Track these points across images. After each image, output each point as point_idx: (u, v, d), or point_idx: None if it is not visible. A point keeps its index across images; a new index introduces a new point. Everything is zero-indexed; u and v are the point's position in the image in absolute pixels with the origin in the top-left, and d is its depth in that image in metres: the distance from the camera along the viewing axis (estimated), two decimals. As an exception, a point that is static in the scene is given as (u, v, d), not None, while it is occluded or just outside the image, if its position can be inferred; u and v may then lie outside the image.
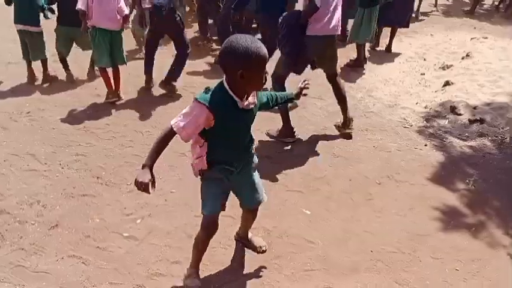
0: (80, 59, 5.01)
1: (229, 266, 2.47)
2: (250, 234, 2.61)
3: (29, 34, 4.59)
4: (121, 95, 4.45)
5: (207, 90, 1.89)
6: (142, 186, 1.81)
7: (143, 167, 1.86)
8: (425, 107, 4.67)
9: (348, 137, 3.98)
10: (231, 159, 2.09)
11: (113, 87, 4.37)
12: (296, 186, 3.27)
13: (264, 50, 1.81)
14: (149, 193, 1.85)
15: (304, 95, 2.34)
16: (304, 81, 2.31)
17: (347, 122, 3.98)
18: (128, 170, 3.29)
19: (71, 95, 4.54)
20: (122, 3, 4.19)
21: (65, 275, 2.34)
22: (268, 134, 3.84)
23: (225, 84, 1.89)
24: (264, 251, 2.57)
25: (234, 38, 1.82)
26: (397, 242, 2.74)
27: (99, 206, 2.91)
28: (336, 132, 4.01)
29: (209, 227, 2.15)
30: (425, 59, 6.08)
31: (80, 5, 4.02)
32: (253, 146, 2.19)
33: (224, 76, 1.91)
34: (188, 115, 1.86)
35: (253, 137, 2.16)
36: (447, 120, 4.39)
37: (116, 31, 4.26)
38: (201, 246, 2.22)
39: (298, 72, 3.72)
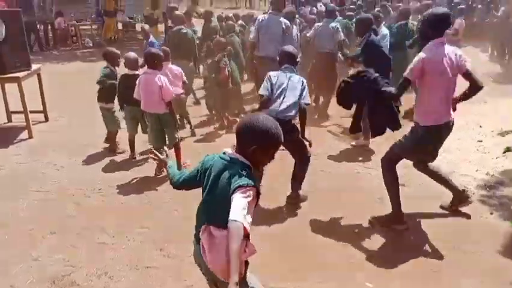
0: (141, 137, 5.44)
1: None
2: None
3: (102, 109, 5.34)
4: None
5: (240, 173, 1.78)
6: None
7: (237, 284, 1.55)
8: (487, 174, 4.51)
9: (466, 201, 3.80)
10: None
11: (161, 167, 4.62)
12: (359, 259, 3.21)
13: (282, 135, 1.88)
14: None
15: None
16: None
17: (459, 196, 3.80)
18: (189, 241, 3.38)
19: (138, 172, 4.90)
20: (165, 89, 4.48)
21: None
22: (372, 222, 3.68)
23: (243, 159, 1.86)
24: None
25: (257, 116, 1.89)
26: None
27: (161, 278, 3.01)
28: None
29: None
30: (480, 126, 5.97)
31: (135, 95, 4.64)
32: None
33: (230, 150, 1.92)
34: (248, 205, 1.71)
35: None
36: (512, 188, 4.19)
37: (162, 114, 4.60)
38: None
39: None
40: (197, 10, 12.80)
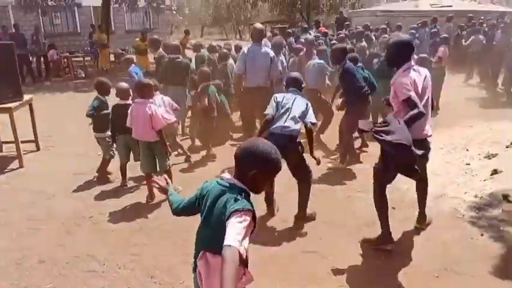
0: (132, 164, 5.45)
1: None
2: None
3: (98, 138, 5.40)
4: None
5: (236, 198, 1.78)
6: None
7: None
8: (475, 196, 4.57)
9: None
10: None
11: (152, 194, 4.74)
12: (351, 282, 3.19)
13: (281, 161, 1.90)
14: None
15: None
16: None
17: (424, 216, 3.97)
18: (180, 268, 3.38)
19: (129, 199, 4.87)
20: (156, 118, 4.52)
21: None
22: (365, 242, 3.72)
23: (240, 185, 1.86)
24: None
25: (257, 141, 1.91)
26: None
27: (153, 305, 2.97)
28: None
29: None
30: (467, 150, 6.07)
31: (127, 124, 4.70)
32: None
33: (228, 175, 1.92)
34: (244, 230, 1.67)
35: None
36: (500, 209, 4.24)
37: (154, 142, 4.65)
38: None
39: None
40: (189, 41, 13.14)
